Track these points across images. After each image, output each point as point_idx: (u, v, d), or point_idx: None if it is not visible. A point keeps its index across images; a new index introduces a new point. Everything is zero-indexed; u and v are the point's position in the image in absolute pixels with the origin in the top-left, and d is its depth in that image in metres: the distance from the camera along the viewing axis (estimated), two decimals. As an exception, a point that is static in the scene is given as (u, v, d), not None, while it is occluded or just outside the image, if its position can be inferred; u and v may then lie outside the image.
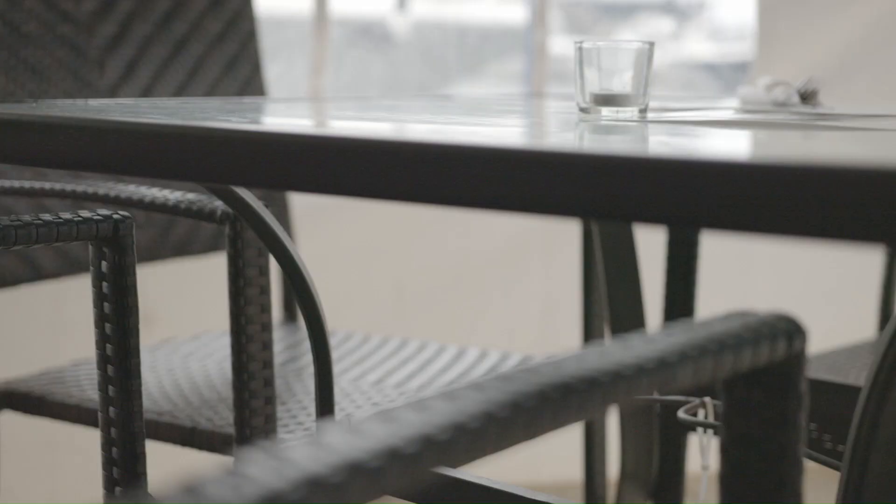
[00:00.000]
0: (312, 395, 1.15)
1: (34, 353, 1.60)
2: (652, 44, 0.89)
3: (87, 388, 1.19)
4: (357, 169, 0.56)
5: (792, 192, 0.46)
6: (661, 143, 0.59)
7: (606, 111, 0.87)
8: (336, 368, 1.22)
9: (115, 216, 0.82)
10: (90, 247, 0.83)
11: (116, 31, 1.37)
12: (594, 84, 0.88)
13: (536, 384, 0.43)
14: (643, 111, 0.88)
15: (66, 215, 0.81)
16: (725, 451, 0.55)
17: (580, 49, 0.88)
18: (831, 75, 1.92)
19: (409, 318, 1.95)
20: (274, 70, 2.00)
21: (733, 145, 0.63)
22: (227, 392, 1.17)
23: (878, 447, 0.85)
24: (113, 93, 1.36)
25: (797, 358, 0.54)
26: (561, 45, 2.59)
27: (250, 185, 0.77)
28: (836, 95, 1.87)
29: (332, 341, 1.39)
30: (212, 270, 1.52)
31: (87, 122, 0.66)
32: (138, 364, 0.84)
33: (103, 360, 0.84)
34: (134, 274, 0.84)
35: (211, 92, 1.45)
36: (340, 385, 1.19)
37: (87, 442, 1.22)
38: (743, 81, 2.48)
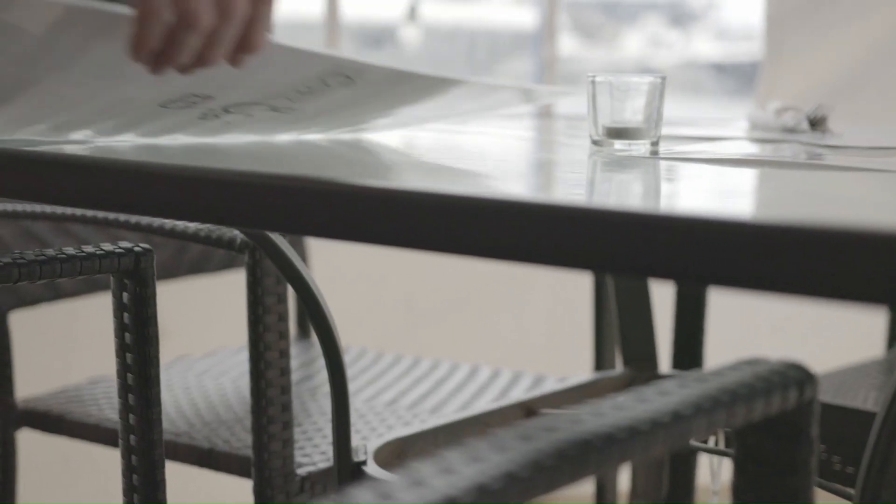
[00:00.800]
0: (328, 416, 1.17)
1: (50, 368, 1.62)
2: (663, 78, 0.91)
3: (105, 408, 1.21)
4: (367, 218, 0.58)
5: (799, 254, 0.47)
6: (671, 196, 0.60)
7: (619, 144, 0.89)
8: (350, 387, 1.23)
9: (136, 249, 0.84)
10: (112, 278, 0.85)
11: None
12: (607, 117, 0.89)
13: (556, 442, 0.45)
14: (655, 144, 0.89)
15: (89, 249, 0.83)
16: (737, 493, 0.57)
17: (593, 83, 0.90)
18: (838, 90, 1.93)
19: (419, 335, 1.96)
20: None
21: (743, 197, 0.64)
22: (244, 411, 1.18)
23: (890, 478, 0.86)
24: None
25: (808, 406, 0.55)
26: (568, 45, 2.60)
27: (284, 232, 0.79)
28: (843, 111, 1.88)
29: (346, 358, 1.40)
30: (226, 286, 1.54)
31: (109, 164, 0.67)
32: (158, 393, 0.86)
33: (124, 389, 0.86)
34: (154, 305, 0.85)
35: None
36: (355, 405, 1.21)
37: (105, 460, 1.24)
38: (751, 92, 2.49)
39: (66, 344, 1.73)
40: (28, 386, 1.31)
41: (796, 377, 0.55)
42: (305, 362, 1.38)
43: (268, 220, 0.61)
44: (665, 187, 0.64)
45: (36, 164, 0.70)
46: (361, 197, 0.58)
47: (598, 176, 0.72)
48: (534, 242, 0.54)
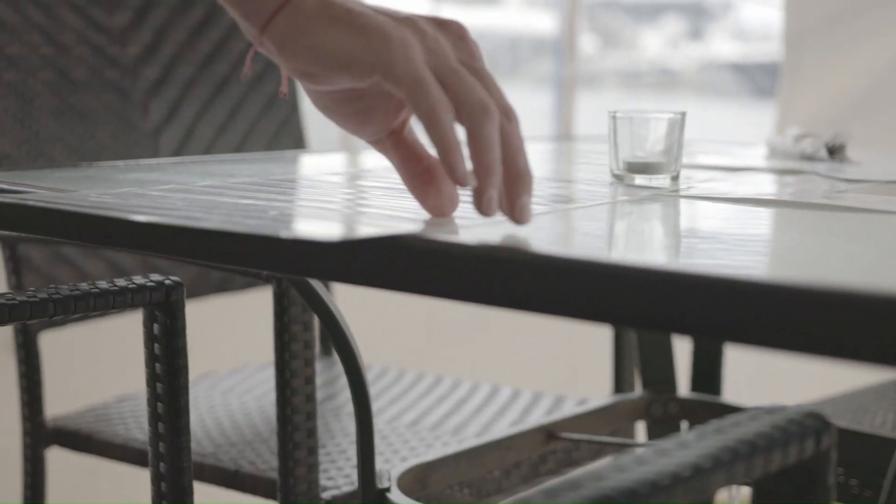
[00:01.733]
0: (351, 437, 1.19)
1: (78, 385, 1.65)
2: (683, 113, 0.92)
3: (133, 427, 1.23)
4: (384, 264, 0.59)
5: (817, 315, 0.48)
6: (690, 249, 0.62)
7: (639, 179, 0.90)
8: (373, 407, 1.25)
9: (166, 282, 0.86)
10: (143, 310, 0.87)
11: (160, 74, 1.41)
12: (627, 152, 0.91)
13: (579, 499, 0.46)
14: (675, 178, 0.91)
15: (121, 282, 0.85)
16: (755, 537, 0.58)
17: (614, 118, 0.91)
18: (857, 106, 1.94)
19: (440, 353, 1.98)
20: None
21: (762, 249, 0.66)
22: (268, 431, 1.20)
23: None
24: (157, 133, 1.40)
25: (825, 455, 0.56)
26: (587, 47, 2.61)
27: (323, 279, 0.81)
28: (861, 126, 1.89)
29: (368, 376, 1.42)
30: (249, 301, 1.56)
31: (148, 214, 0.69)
32: (188, 422, 0.87)
33: (154, 418, 0.88)
34: (184, 337, 0.87)
35: (252, 130, 1.49)
36: (378, 426, 1.22)
37: (133, 478, 1.27)
38: (769, 94, 2.49)
39: (94, 360, 1.76)
40: (57, 401, 1.34)
41: (814, 427, 0.56)
42: (328, 380, 1.40)
43: (293, 267, 0.63)
44: (683, 238, 0.66)
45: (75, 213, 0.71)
46: (385, 246, 0.60)
47: (616, 224, 0.73)
48: (550, 295, 0.56)
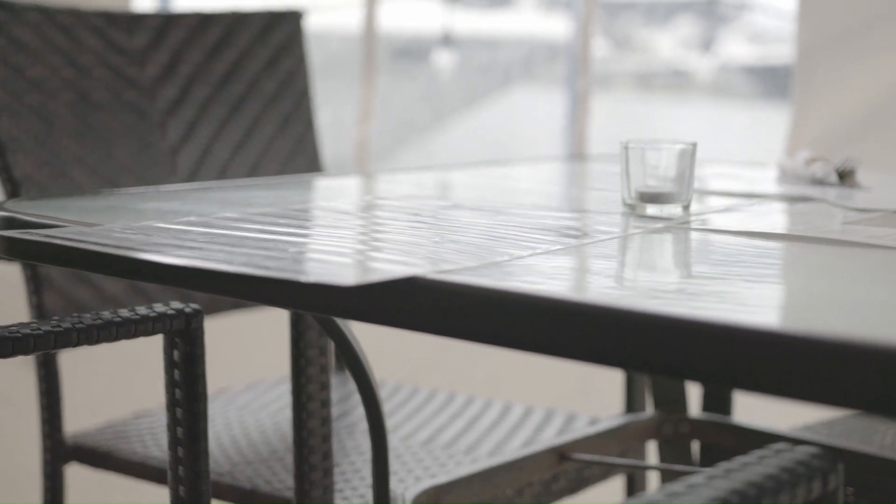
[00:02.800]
0: (365, 455, 1.21)
1: (97, 400, 1.67)
2: (694, 144, 0.93)
3: (150, 445, 1.25)
4: (401, 305, 0.61)
5: (825, 365, 0.50)
6: (698, 295, 0.63)
7: (651, 209, 0.92)
8: (387, 424, 1.27)
9: (186, 310, 0.88)
10: (163, 337, 0.89)
11: (177, 94, 1.43)
12: (639, 182, 0.92)
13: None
14: (686, 208, 0.92)
15: (142, 310, 0.87)
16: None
17: (626, 149, 0.93)
18: (869, 121, 1.95)
19: (453, 369, 1.99)
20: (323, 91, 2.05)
21: (770, 297, 0.67)
22: (283, 448, 1.22)
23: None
24: (174, 153, 1.41)
25: (833, 495, 0.58)
26: (601, 50, 2.62)
27: (349, 318, 0.82)
28: (873, 142, 1.89)
29: (382, 392, 1.44)
30: (264, 317, 1.58)
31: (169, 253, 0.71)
32: (206, 447, 0.89)
33: (174, 443, 0.90)
34: (203, 363, 0.89)
35: (267, 149, 1.51)
36: (392, 444, 1.24)
37: (151, 495, 1.28)
38: (782, 96, 2.50)
39: (112, 375, 1.78)
40: (75, 415, 1.36)
41: (821, 467, 0.57)
42: (343, 397, 1.42)
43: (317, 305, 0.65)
44: (693, 279, 0.67)
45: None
46: (401, 287, 0.62)
47: (626, 263, 0.75)
48: (559, 339, 0.57)
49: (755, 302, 0.60)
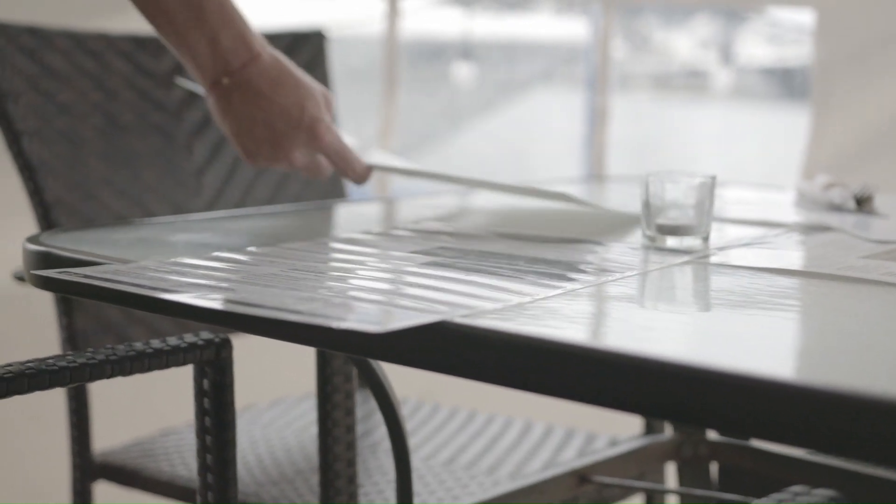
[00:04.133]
0: (388, 477, 1.23)
1: (123, 417, 1.69)
2: (713, 177, 0.95)
3: (177, 463, 1.27)
4: (428, 347, 0.63)
5: (842, 418, 0.52)
6: (717, 337, 0.65)
7: (671, 241, 0.93)
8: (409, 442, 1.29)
9: (216, 340, 0.90)
10: (193, 366, 0.91)
11: (203, 116, 1.45)
12: (659, 214, 0.94)
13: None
14: (705, 239, 0.94)
15: (173, 341, 0.89)
16: None
17: (647, 182, 0.94)
18: (884, 139, 1.95)
19: (473, 386, 2.01)
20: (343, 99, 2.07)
21: (788, 342, 0.68)
22: (308, 467, 1.24)
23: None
24: (200, 174, 1.44)
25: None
26: (619, 49, 2.63)
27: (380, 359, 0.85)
28: (888, 160, 1.90)
29: (403, 410, 1.46)
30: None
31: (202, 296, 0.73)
32: (235, 473, 0.91)
33: (203, 468, 0.92)
34: (232, 392, 0.91)
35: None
36: (414, 464, 1.26)
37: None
38: (799, 98, 2.50)
39: (139, 391, 1.80)
40: (102, 431, 1.38)
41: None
42: (366, 414, 1.44)
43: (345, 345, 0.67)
44: (710, 326, 0.69)
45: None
46: (428, 330, 0.63)
47: (644, 303, 0.76)
48: (581, 384, 0.59)
49: (774, 348, 0.61)
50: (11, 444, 2.03)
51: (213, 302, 0.67)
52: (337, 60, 1.65)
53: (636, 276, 0.79)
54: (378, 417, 1.42)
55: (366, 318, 0.63)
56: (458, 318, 0.63)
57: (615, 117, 2.24)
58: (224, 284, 0.72)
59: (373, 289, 0.71)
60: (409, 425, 1.39)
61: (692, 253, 0.89)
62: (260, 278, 0.74)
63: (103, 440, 1.41)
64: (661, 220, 0.94)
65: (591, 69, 2.37)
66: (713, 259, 0.87)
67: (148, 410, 1.75)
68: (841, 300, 0.73)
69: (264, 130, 1.04)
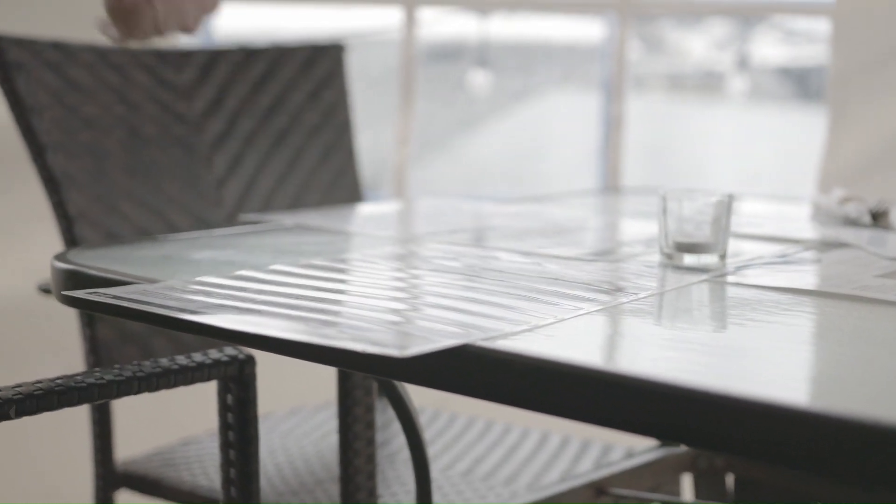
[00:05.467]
0: (407, 487, 1.24)
1: (144, 424, 1.71)
2: (731, 196, 0.96)
3: (198, 473, 1.29)
4: (449, 370, 0.65)
5: (857, 445, 0.53)
6: (734, 363, 0.66)
7: (688, 258, 0.94)
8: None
9: (240, 357, 0.91)
10: (217, 382, 0.92)
11: (223, 127, 1.47)
12: (676, 232, 0.95)
13: None
14: (722, 257, 0.95)
15: (198, 357, 0.90)
16: None
17: (664, 199, 0.95)
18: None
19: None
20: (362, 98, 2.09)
21: (800, 363, 0.69)
22: (328, 477, 1.26)
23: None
24: (220, 185, 1.46)
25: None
26: (633, 50, 2.64)
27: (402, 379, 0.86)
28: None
29: (421, 419, 1.47)
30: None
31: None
32: (258, 487, 0.93)
33: (227, 482, 0.94)
34: (255, 407, 0.93)
35: (309, 179, 1.54)
36: (432, 474, 1.27)
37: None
38: (814, 98, 2.51)
39: (158, 400, 1.82)
40: (124, 439, 1.40)
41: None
42: (384, 423, 1.45)
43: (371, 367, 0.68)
44: (727, 348, 0.70)
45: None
46: (449, 353, 0.65)
47: (661, 324, 0.77)
48: (597, 408, 0.60)
49: (789, 373, 0.62)
50: (36, 453, 2.06)
51: (237, 324, 0.68)
52: (355, 69, 1.67)
53: (653, 297, 0.80)
54: (396, 426, 1.43)
55: (387, 342, 0.64)
56: (479, 341, 0.65)
57: (630, 121, 2.25)
58: (248, 305, 0.73)
59: (394, 309, 0.73)
60: (426, 435, 1.40)
61: (709, 271, 0.90)
62: (284, 298, 0.75)
63: (125, 448, 1.43)
64: (678, 238, 0.95)
65: (606, 76, 2.38)
66: (730, 278, 0.88)
67: (169, 418, 1.76)
68: (856, 323, 0.74)
69: None
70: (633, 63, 2.40)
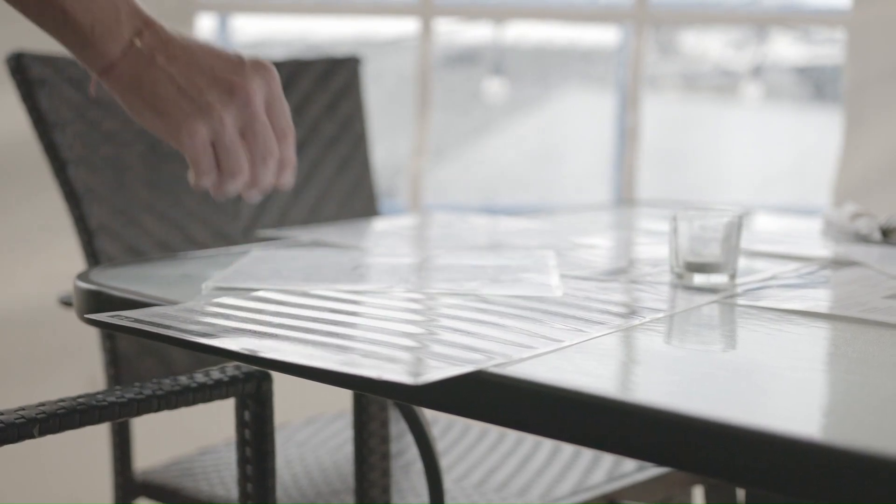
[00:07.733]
0: (421, 499, 1.25)
1: (162, 432, 1.73)
2: (741, 216, 0.97)
3: (215, 483, 1.31)
4: (463, 395, 0.66)
5: (867, 477, 0.54)
6: (744, 390, 0.67)
7: (698, 278, 0.96)
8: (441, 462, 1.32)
9: (257, 374, 0.93)
10: (235, 399, 0.94)
11: (241, 141, 1.49)
12: (687, 251, 0.96)
13: None
14: (732, 277, 0.96)
15: (216, 375, 0.92)
16: None
17: (675, 219, 0.97)
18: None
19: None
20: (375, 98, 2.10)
21: (813, 384, 0.70)
22: (343, 487, 1.28)
23: None
24: (237, 199, 1.47)
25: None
26: (649, 51, 2.65)
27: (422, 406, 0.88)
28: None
29: (434, 430, 1.49)
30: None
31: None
32: (274, 500, 0.95)
33: (244, 496, 0.95)
34: (272, 423, 0.95)
35: (325, 191, 1.56)
36: (445, 485, 1.29)
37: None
38: (831, 98, 2.51)
39: (178, 411, 1.84)
40: (142, 446, 1.42)
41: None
42: (398, 434, 1.47)
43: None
44: (736, 374, 0.71)
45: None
46: (467, 378, 0.66)
47: (674, 351, 0.79)
48: (608, 435, 0.62)
49: (797, 402, 0.64)
50: (56, 462, 2.08)
51: (254, 348, 0.70)
52: (370, 79, 1.68)
53: (664, 319, 0.82)
54: (410, 437, 1.45)
55: (402, 369, 0.66)
56: (492, 367, 0.66)
57: (645, 127, 2.26)
58: (265, 329, 0.75)
59: (408, 333, 0.74)
60: (439, 445, 1.42)
61: (719, 292, 0.92)
62: (301, 321, 0.77)
63: (144, 458, 1.45)
64: (688, 257, 0.96)
65: (621, 82, 2.39)
66: (740, 300, 0.89)
67: (187, 428, 1.79)
68: (864, 347, 0.75)
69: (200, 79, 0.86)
70: (648, 67, 2.41)
